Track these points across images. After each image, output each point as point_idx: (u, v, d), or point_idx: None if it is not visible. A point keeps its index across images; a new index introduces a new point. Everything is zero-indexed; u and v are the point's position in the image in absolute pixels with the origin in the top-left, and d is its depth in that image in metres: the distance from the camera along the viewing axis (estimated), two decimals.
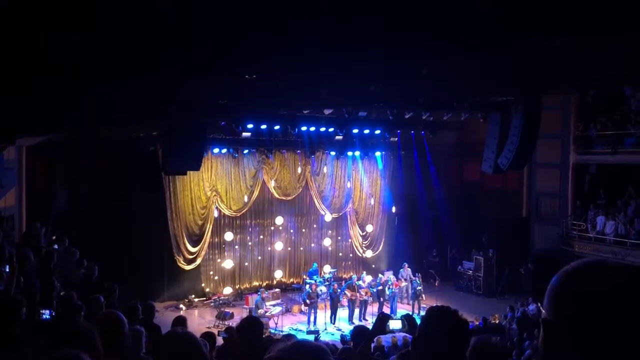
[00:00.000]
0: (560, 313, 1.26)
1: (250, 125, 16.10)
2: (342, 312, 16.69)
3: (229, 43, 4.50)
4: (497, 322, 14.19)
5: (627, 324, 1.18)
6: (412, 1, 3.90)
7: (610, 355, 1.18)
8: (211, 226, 18.44)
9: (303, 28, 4.21)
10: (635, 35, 4.65)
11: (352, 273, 20.54)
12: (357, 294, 16.73)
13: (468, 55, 5.37)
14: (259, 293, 16.13)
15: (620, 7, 3.83)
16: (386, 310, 16.74)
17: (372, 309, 16.99)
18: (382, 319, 3.50)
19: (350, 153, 20.57)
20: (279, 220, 19.84)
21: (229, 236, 19.01)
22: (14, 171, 14.56)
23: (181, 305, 17.33)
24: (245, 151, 18.67)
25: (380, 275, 18.24)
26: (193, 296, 18.03)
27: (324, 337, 14.73)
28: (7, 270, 7.67)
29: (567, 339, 1.23)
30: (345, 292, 16.67)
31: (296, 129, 17.03)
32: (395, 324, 3.58)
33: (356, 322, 15.92)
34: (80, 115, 7.77)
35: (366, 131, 18.95)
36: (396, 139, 20.65)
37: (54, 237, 12.47)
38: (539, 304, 13.45)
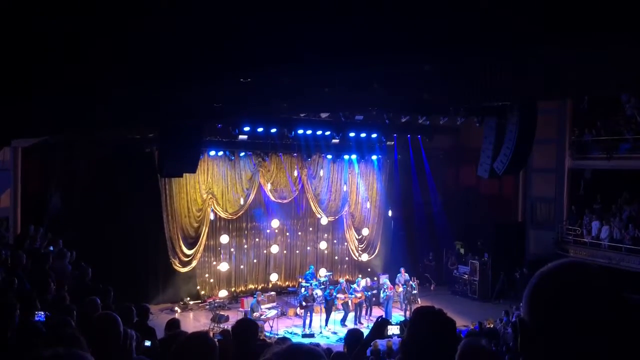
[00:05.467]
0: (534, 313, 1.27)
1: (246, 128, 16.09)
2: (336, 316, 16.67)
3: (230, 47, 4.51)
4: (492, 326, 14.19)
5: (599, 324, 1.19)
6: (410, 6, 3.91)
7: (582, 356, 1.19)
8: (207, 229, 18.41)
9: (304, 31, 4.21)
10: (632, 44, 4.68)
11: (348, 276, 20.55)
12: (349, 297, 16.71)
13: (467, 61, 5.39)
14: (255, 296, 16.10)
15: (618, 16, 3.86)
16: (379, 313, 16.74)
17: (365, 312, 17.02)
18: (381, 324, 3.48)
19: (346, 156, 20.58)
20: (275, 223, 19.83)
21: (224, 239, 18.98)
22: (9, 172, 14.53)
23: (176, 308, 17.29)
24: (242, 154, 18.65)
25: (369, 278, 18.20)
26: (188, 299, 18.00)
27: (319, 341, 14.71)
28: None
29: (541, 339, 1.24)
30: (338, 296, 16.64)
31: (293, 132, 17.03)
32: (393, 329, 3.57)
33: (350, 325, 15.91)
34: (77, 119, 7.76)
35: (362, 135, 18.96)
36: (392, 143, 20.68)
37: (47, 235, 12.45)
38: None
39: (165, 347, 4.97)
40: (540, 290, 1.28)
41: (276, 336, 14.16)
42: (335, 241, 21.30)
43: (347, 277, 20.57)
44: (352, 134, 18.66)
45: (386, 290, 17.18)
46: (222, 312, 16.15)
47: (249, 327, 3.87)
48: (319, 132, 17.76)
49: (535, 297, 1.28)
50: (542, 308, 1.25)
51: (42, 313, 5.84)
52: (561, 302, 1.22)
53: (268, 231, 19.89)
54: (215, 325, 15.06)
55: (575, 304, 1.21)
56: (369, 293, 17.15)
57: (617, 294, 1.23)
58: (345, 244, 21.32)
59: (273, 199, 19.52)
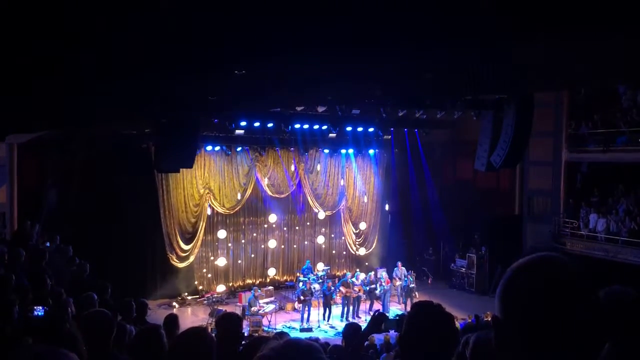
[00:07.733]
0: (506, 311, 1.25)
1: (243, 123, 16.03)
2: (335, 310, 16.71)
3: (228, 41, 4.49)
4: (489, 319, 14.24)
5: (571, 322, 1.16)
6: (409, 2, 3.90)
7: (557, 355, 1.17)
8: (204, 224, 18.40)
9: (302, 25, 4.20)
10: (629, 34, 4.68)
11: (345, 270, 20.58)
12: (352, 291, 16.75)
13: (464, 55, 5.38)
14: (252, 291, 16.12)
15: (615, 8, 3.85)
16: (377, 307, 16.78)
17: (365, 306, 17.04)
18: (378, 318, 3.48)
19: (343, 151, 20.58)
20: (273, 218, 19.83)
21: (222, 234, 18.98)
22: (5, 168, 14.50)
23: (174, 303, 17.30)
24: (239, 149, 18.62)
25: (369, 272, 18.26)
26: (186, 294, 18.00)
27: (317, 335, 14.74)
28: None
29: (515, 338, 1.21)
30: (340, 289, 16.69)
31: (289, 127, 17.00)
32: (390, 324, 3.57)
33: (350, 319, 15.95)
34: (73, 114, 7.73)
35: (359, 129, 18.95)
36: (389, 137, 20.68)
37: (44, 231, 12.43)
38: None
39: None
40: (512, 288, 1.25)
41: (274, 331, 14.19)
42: (332, 235, 21.33)
43: (345, 271, 20.61)
44: (349, 128, 18.65)
45: (383, 284, 17.21)
46: (220, 307, 16.16)
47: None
48: (316, 127, 17.72)
49: (507, 294, 1.25)
50: (514, 305, 1.23)
51: (42, 307, 5.84)
52: (533, 299, 1.19)
53: (265, 226, 19.89)
54: (213, 320, 15.08)
55: (547, 300, 1.18)
56: (368, 287, 17.17)
57: (589, 288, 1.21)
58: (343, 238, 21.35)
59: (270, 193, 19.51)
